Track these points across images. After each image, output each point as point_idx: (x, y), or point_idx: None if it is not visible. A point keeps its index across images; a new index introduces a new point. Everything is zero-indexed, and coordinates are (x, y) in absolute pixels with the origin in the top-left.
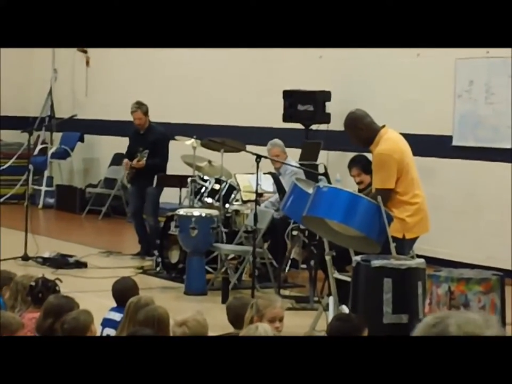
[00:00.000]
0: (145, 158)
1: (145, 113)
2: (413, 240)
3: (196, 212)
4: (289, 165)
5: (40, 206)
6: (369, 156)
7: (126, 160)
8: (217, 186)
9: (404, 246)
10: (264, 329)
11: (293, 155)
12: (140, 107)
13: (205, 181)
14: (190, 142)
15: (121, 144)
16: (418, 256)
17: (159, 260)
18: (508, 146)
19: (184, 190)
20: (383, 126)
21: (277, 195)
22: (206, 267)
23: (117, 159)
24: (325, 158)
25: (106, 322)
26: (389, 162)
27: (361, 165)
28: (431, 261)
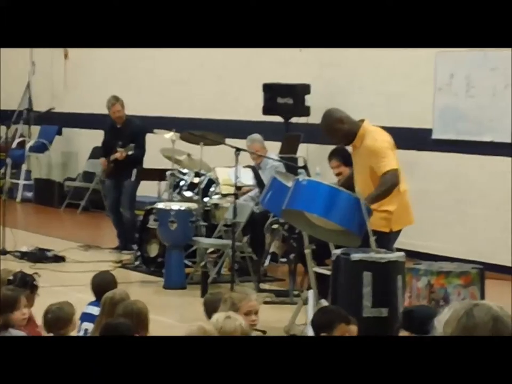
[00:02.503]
0: (131, 152)
1: (123, 106)
2: (398, 232)
3: (175, 206)
4: (270, 158)
5: (18, 199)
6: (349, 147)
7: (103, 159)
8: (196, 180)
9: (390, 239)
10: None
11: (273, 148)
12: (118, 100)
13: (184, 174)
14: (169, 135)
15: (100, 137)
16: (398, 250)
17: (138, 253)
18: (488, 140)
19: (163, 183)
20: (363, 120)
21: (256, 189)
22: (185, 261)
23: (95, 153)
24: (304, 151)
25: (85, 317)
26: (391, 148)
27: (341, 157)
28: (412, 254)
